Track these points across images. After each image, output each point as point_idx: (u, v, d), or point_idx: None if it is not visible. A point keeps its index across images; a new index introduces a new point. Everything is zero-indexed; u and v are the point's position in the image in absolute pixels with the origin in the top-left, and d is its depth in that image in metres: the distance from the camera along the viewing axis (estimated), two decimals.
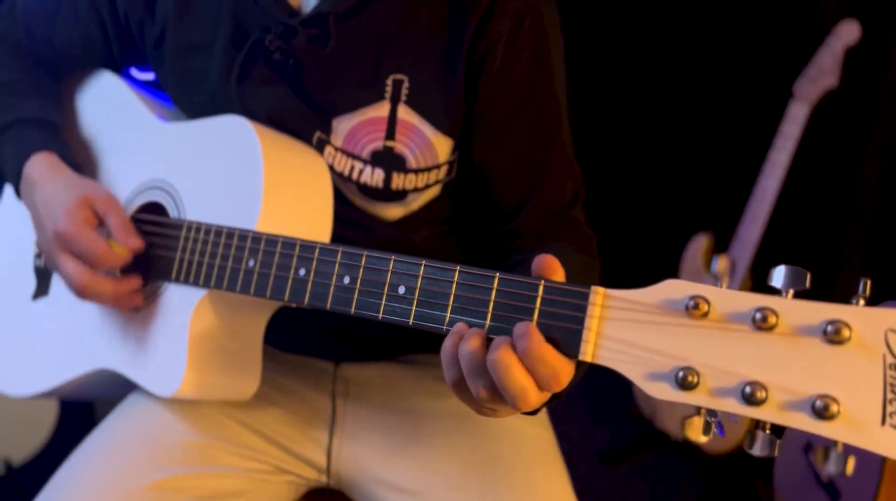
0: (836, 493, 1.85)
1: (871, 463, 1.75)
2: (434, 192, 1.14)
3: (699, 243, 2.41)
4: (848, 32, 2.20)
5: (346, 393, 1.24)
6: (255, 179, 1.02)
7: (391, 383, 1.26)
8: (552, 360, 0.72)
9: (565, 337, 0.71)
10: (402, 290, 0.82)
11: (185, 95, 1.20)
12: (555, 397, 0.84)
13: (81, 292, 1.07)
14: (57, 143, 1.18)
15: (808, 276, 0.61)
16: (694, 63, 2.51)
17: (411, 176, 1.10)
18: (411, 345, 1.28)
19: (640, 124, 2.61)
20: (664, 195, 2.62)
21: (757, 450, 0.63)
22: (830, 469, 0.59)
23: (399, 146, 1.09)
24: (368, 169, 1.09)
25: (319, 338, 1.24)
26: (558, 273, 0.76)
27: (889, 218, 2.35)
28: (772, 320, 0.60)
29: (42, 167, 1.14)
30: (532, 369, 0.72)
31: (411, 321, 0.82)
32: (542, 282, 0.73)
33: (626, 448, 2.50)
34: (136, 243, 1.07)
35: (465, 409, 1.20)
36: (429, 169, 1.10)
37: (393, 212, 1.14)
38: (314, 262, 0.90)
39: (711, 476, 2.41)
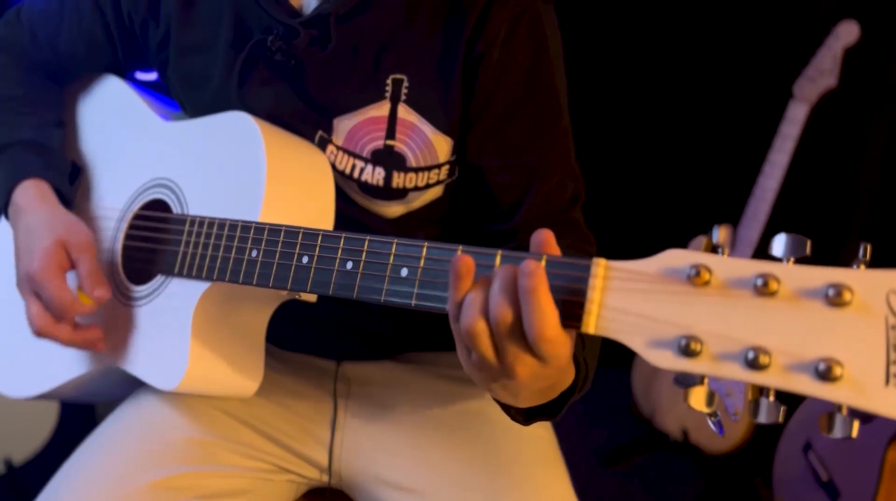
0: (836, 492, 1.84)
1: (871, 462, 1.75)
2: (436, 192, 1.14)
3: (699, 244, 2.41)
4: (847, 33, 2.21)
5: (348, 392, 1.24)
6: (257, 171, 1.02)
7: (393, 381, 1.25)
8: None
9: (567, 309, 0.71)
10: (404, 272, 0.82)
11: (189, 96, 1.21)
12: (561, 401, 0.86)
13: (38, 335, 1.08)
14: (51, 170, 1.18)
15: (809, 243, 0.61)
16: (694, 63, 2.51)
17: (411, 175, 1.10)
18: (413, 343, 1.28)
19: (640, 125, 2.61)
20: (664, 195, 2.63)
21: (762, 418, 0.63)
22: (836, 433, 0.59)
23: (399, 145, 1.09)
24: (369, 168, 1.10)
25: (321, 337, 1.24)
26: (553, 246, 0.76)
27: (889, 217, 2.35)
28: (773, 285, 0.60)
29: (30, 196, 1.14)
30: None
31: (413, 302, 0.82)
32: (544, 256, 0.73)
33: (625, 448, 2.50)
34: (103, 293, 1.07)
35: (466, 408, 1.21)
36: (429, 168, 1.11)
37: (394, 210, 1.14)
38: (317, 249, 0.91)
39: (711, 476, 2.41)
